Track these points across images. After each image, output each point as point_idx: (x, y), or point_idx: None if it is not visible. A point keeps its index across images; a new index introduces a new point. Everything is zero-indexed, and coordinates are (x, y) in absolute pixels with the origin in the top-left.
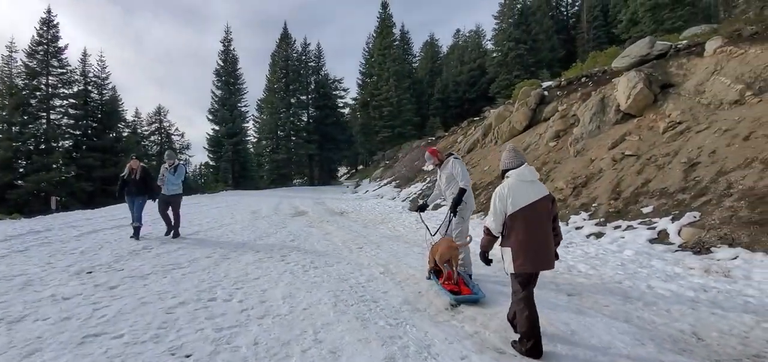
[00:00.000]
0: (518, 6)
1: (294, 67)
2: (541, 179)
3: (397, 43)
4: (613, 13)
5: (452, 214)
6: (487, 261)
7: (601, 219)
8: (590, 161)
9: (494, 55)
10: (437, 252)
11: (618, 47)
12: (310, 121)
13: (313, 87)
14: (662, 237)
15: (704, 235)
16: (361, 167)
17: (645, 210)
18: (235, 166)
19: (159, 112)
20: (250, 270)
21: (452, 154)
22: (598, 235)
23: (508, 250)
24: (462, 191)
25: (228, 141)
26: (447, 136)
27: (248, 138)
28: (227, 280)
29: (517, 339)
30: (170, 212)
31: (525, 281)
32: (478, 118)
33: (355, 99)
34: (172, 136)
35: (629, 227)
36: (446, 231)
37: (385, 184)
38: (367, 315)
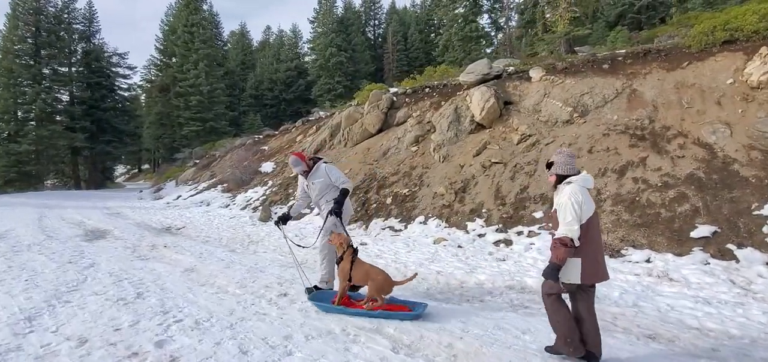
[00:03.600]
0: (337, 15)
1: (50, 25)
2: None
3: (206, 23)
4: (411, 41)
5: (337, 218)
6: (558, 279)
7: (500, 226)
8: (460, 167)
9: (314, 58)
10: (374, 282)
11: (448, 66)
12: (76, 102)
13: (80, 57)
14: None
15: (607, 239)
16: (146, 167)
17: (536, 215)
18: None
19: None
20: None
21: (321, 159)
22: (507, 242)
23: (577, 261)
24: (345, 191)
25: None
26: (278, 136)
27: None
28: None
29: (557, 344)
30: None
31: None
32: (313, 118)
33: (150, 81)
34: None
35: (532, 233)
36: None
37: (207, 188)
38: None
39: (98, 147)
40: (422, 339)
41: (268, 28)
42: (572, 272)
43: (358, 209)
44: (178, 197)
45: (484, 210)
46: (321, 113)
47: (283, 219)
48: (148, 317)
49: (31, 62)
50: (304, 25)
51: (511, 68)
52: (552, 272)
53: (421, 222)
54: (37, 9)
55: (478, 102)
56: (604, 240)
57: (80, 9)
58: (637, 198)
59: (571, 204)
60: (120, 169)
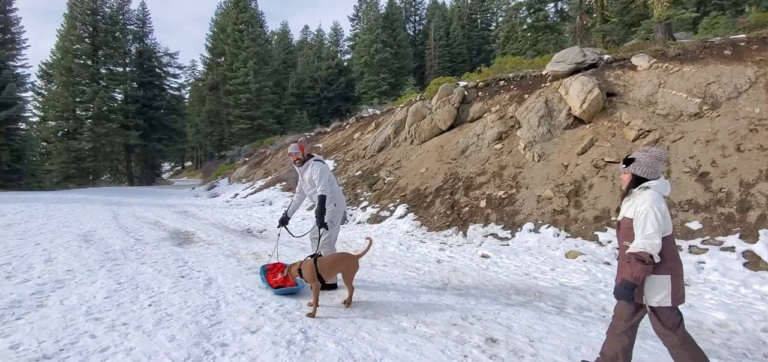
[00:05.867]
0: (382, 11)
1: (106, 26)
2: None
3: (254, 20)
4: (453, 37)
5: (319, 228)
6: (632, 300)
7: None
8: (563, 167)
9: (355, 55)
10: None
11: (520, 57)
12: (130, 100)
13: (134, 57)
14: (754, 262)
15: None
16: (189, 164)
17: (692, 226)
18: (1, 155)
19: None
20: None
21: (313, 155)
22: None
23: (665, 278)
24: (322, 198)
25: None
26: (331, 133)
27: (28, 114)
28: None
29: None
30: None
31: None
32: (366, 116)
33: (200, 80)
34: None
35: (695, 248)
36: (317, 247)
37: (264, 187)
38: None
39: (150, 144)
40: None
41: (306, 27)
42: (661, 292)
43: (448, 212)
44: (236, 195)
45: (614, 220)
46: (369, 110)
47: (283, 222)
48: None
49: (89, 62)
50: (342, 23)
51: (607, 56)
52: (626, 292)
53: (531, 230)
54: (93, 9)
55: (577, 94)
56: None
57: (134, 10)
58: None
59: (653, 213)
60: (164, 166)
